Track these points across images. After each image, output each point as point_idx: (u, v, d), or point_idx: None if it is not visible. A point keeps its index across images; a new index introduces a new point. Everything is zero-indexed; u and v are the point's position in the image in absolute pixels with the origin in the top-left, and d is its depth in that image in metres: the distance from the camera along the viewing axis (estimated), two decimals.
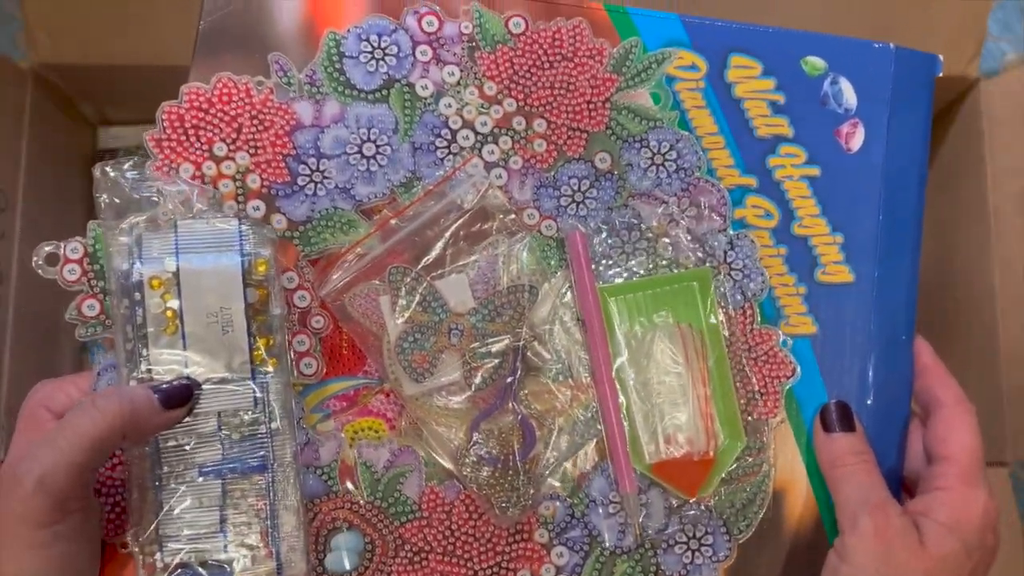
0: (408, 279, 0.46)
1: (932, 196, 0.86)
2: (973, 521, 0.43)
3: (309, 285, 0.47)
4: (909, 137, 0.51)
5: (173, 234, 0.43)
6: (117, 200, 0.44)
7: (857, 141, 0.50)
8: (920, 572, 0.42)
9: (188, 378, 0.42)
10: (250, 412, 0.43)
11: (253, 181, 0.47)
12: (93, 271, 0.45)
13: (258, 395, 0.43)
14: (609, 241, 0.48)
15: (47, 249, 0.45)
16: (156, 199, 0.45)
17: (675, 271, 0.48)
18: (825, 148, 0.50)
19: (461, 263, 0.47)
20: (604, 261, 0.48)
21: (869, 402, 0.49)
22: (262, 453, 0.43)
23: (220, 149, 0.47)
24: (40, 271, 0.45)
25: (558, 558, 0.47)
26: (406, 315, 0.46)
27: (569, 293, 0.48)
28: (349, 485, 0.46)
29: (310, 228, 0.47)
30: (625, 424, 0.47)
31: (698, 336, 0.47)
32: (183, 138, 0.46)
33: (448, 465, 0.46)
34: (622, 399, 0.47)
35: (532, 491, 0.46)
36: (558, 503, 0.47)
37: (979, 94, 0.77)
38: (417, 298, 0.46)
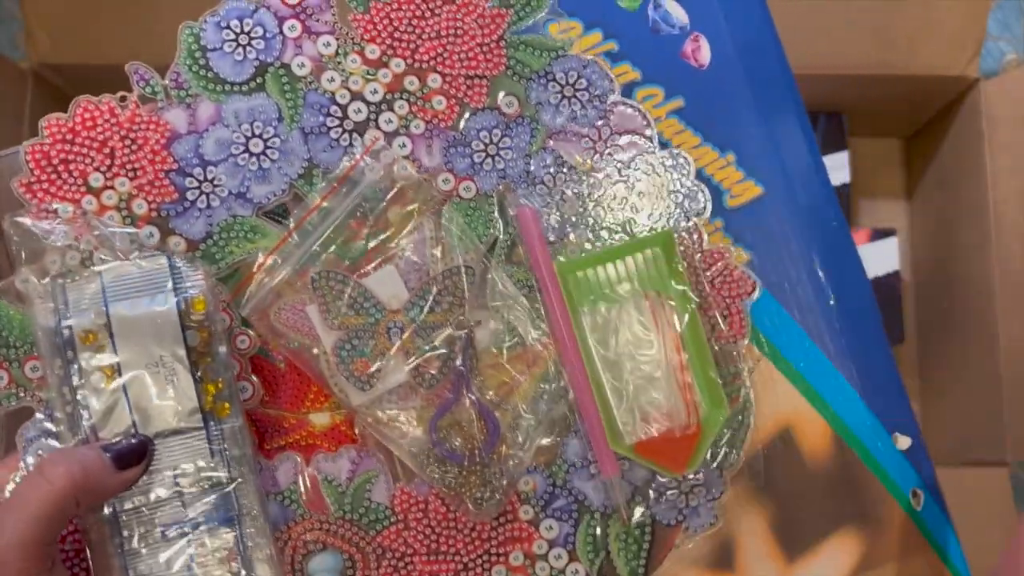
0: (333, 282, 0.43)
1: (932, 196, 0.87)
2: None
3: (225, 306, 0.43)
4: (747, 16, 0.47)
5: (98, 282, 0.39)
6: (32, 251, 0.41)
7: (705, 54, 0.46)
8: None
9: (141, 435, 0.39)
10: (207, 463, 0.40)
11: (139, 207, 0.43)
12: None
13: (213, 446, 0.40)
14: (537, 191, 0.44)
15: None
16: (73, 244, 0.41)
17: (632, 231, 0.44)
18: (677, 75, 0.46)
19: (388, 255, 0.43)
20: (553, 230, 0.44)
21: (832, 302, 0.46)
22: (227, 506, 0.40)
23: (96, 180, 0.43)
24: None
25: (548, 532, 0.44)
26: (338, 322, 0.43)
27: (504, 254, 0.44)
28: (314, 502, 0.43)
29: (212, 244, 0.43)
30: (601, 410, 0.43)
31: (667, 303, 0.44)
32: (54, 176, 0.42)
33: (413, 469, 0.43)
34: (594, 380, 0.44)
35: (506, 482, 0.43)
36: (537, 476, 0.44)
37: (979, 94, 0.76)
38: (347, 301, 0.43)
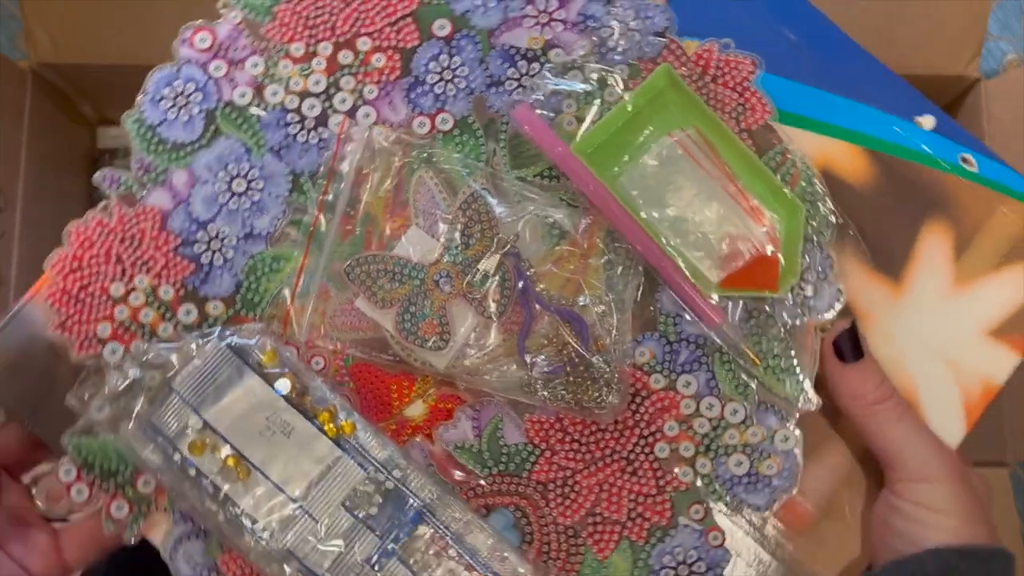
0: (367, 266, 0.42)
1: None
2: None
3: (286, 340, 0.42)
4: None
5: (175, 395, 0.40)
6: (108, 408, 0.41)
7: None
8: (989, 521, 0.40)
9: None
10: (366, 481, 0.39)
11: (166, 292, 0.43)
12: (98, 474, 0.42)
13: (361, 461, 0.39)
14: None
15: (44, 489, 0.41)
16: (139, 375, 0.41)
17: (616, 76, 0.43)
18: None
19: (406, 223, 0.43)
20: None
21: (804, 47, 0.44)
22: (405, 505, 0.39)
23: (117, 289, 0.43)
24: (47, 512, 0.41)
25: (687, 388, 0.42)
26: (388, 298, 0.42)
27: (507, 162, 0.43)
28: (458, 474, 0.42)
29: (247, 291, 0.43)
30: (679, 261, 0.41)
31: (697, 135, 0.42)
32: (80, 307, 0.43)
33: (527, 401, 0.42)
34: (662, 241, 0.41)
35: (616, 369, 0.41)
36: (649, 343, 0.42)
37: (979, 94, 0.75)
38: (386, 276, 0.42)
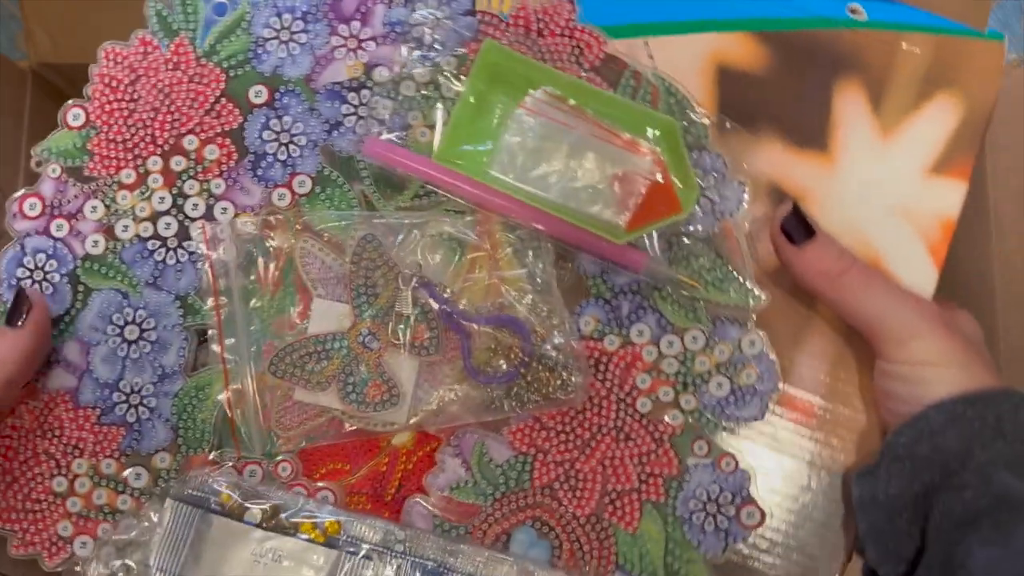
0: (288, 357, 0.40)
1: None
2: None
3: (246, 461, 0.41)
4: None
5: (158, 573, 0.38)
6: None
7: None
8: (988, 365, 0.39)
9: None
10: (374, 567, 0.38)
11: (108, 467, 0.41)
12: None
13: (358, 549, 0.39)
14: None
15: None
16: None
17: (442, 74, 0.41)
18: None
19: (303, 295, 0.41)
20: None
21: None
22: (426, 568, 0.38)
23: (60, 484, 0.41)
24: None
25: (641, 336, 0.41)
26: (323, 379, 0.40)
27: (379, 198, 0.42)
28: (465, 514, 0.41)
29: (184, 431, 0.41)
30: (580, 223, 0.40)
31: (545, 95, 0.40)
32: (32, 516, 0.41)
33: (498, 418, 0.41)
34: (557, 210, 0.40)
35: (568, 351, 0.40)
36: (589, 309, 0.41)
37: None
38: (312, 359, 0.40)
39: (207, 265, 0.41)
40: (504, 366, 0.40)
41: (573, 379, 0.40)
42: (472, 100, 0.41)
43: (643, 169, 0.40)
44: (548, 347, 0.40)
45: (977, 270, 0.74)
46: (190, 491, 0.39)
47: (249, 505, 0.39)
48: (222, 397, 0.41)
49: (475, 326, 0.40)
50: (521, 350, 0.40)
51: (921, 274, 0.43)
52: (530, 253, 0.41)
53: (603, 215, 0.40)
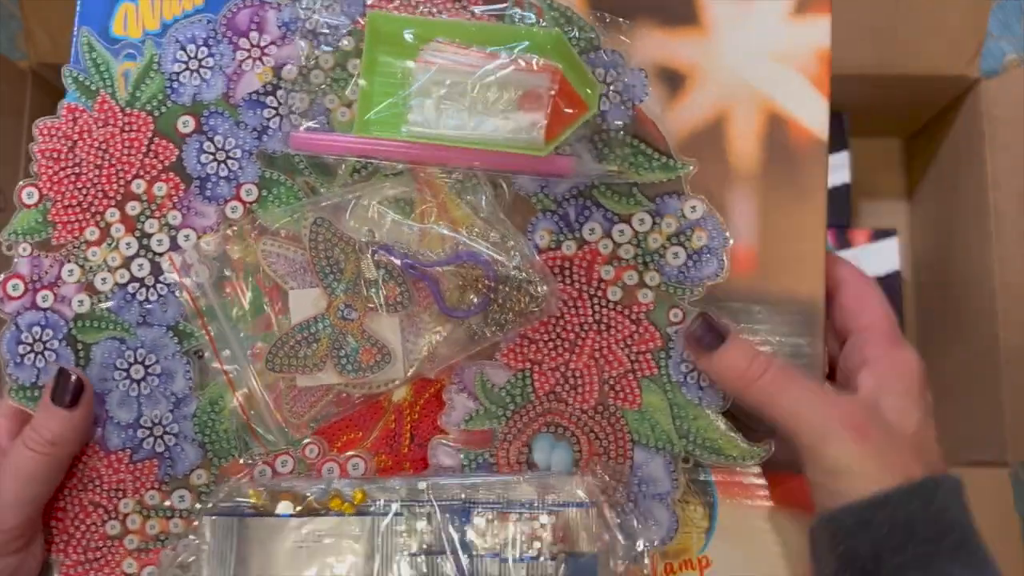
0: (281, 350, 0.43)
1: (932, 196, 0.86)
2: (917, 382, 0.41)
3: (267, 455, 0.44)
4: None
5: None
6: None
7: None
8: (910, 456, 0.38)
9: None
10: (408, 520, 0.41)
11: (152, 498, 0.44)
12: None
13: (389, 509, 0.41)
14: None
15: None
16: None
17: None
18: None
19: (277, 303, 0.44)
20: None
21: None
22: (453, 509, 0.41)
23: (114, 528, 0.44)
24: None
25: (592, 233, 0.44)
26: (317, 360, 0.43)
27: (323, 183, 0.45)
28: (484, 439, 0.44)
29: (212, 445, 0.44)
30: (504, 148, 0.43)
31: (436, 44, 0.43)
32: (95, 564, 0.44)
33: (487, 346, 0.44)
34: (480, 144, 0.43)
35: (529, 267, 0.43)
36: (541, 223, 0.44)
37: (979, 94, 0.76)
38: (303, 345, 0.43)
39: (184, 292, 0.44)
40: (475, 298, 0.43)
41: (541, 290, 0.43)
42: (373, 70, 0.44)
43: (542, 84, 0.43)
44: (510, 269, 0.43)
45: (977, 270, 0.77)
46: (222, 503, 0.42)
47: (278, 499, 0.42)
48: (234, 405, 0.44)
49: (439, 269, 0.43)
50: (486, 279, 0.43)
51: (813, 107, 0.45)
52: (469, 192, 0.44)
53: (521, 135, 0.43)
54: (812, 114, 0.45)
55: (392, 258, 0.43)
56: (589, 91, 0.43)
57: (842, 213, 0.84)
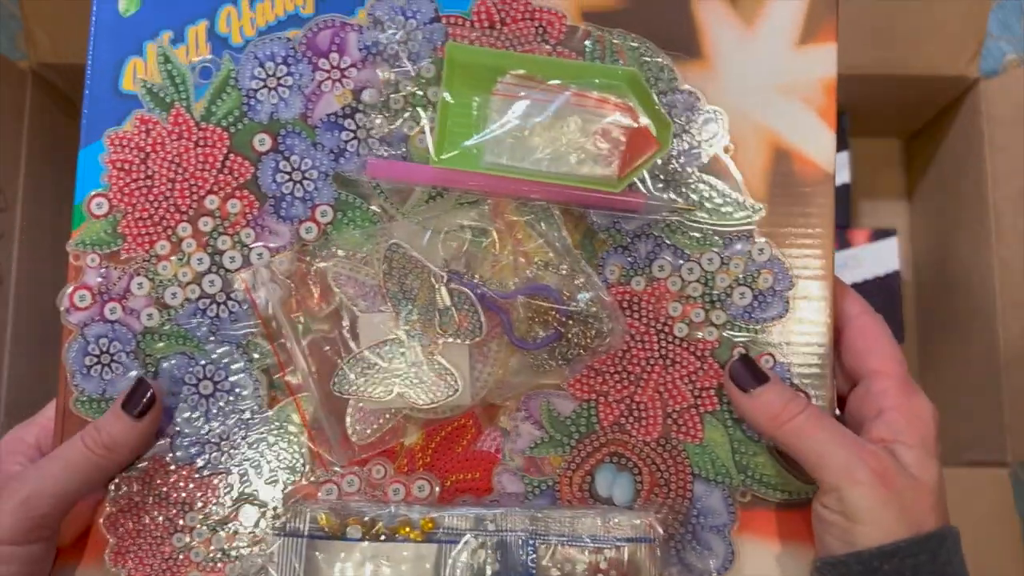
0: (351, 372, 0.44)
1: (932, 196, 0.87)
2: (933, 432, 0.41)
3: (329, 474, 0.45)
4: None
5: None
6: None
7: None
8: (926, 507, 0.39)
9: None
10: (475, 550, 0.42)
11: (216, 512, 0.45)
12: None
13: (457, 536, 0.42)
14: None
15: None
16: None
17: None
18: None
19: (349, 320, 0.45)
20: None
21: None
22: (519, 539, 0.42)
23: (180, 540, 0.44)
24: None
25: (663, 271, 0.45)
26: (388, 383, 0.44)
27: (399, 208, 0.45)
28: (548, 468, 0.45)
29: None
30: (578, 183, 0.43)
31: (513, 77, 0.44)
32: None
33: (556, 380, 0.45)
34: (554, 178, 0.44)
35: (598, 301, 0.44)
36: (612, 259, 0.45)
37: (979, 94, 0.75)
38: (372, 372, 0.44)
39: (255, 310, 0.45)
40: (544, 332, 0.44)
41: (607, 327, 0.44)
42: (451, 100, 0.44)
43: (617, 120, 0.44)
44: (580, 304, 0.44)
45: (977, 270, 0.78)
46: (292, 523, 0.42)
47: (347, 523, 0.42)
48: (301, 423, 0.45)
49: (510, 301, 0.44)
50: (554, 311, 0.44)
51: (820, 140, 0.45)
52: (543, 224, 0.45)
53: (595, 171, 0.44)
54: (819, 147, 0.46)
55: (465, 287, 0.44)
56: (661, 129, 0.44)
57: (842, 213, 0.86)
